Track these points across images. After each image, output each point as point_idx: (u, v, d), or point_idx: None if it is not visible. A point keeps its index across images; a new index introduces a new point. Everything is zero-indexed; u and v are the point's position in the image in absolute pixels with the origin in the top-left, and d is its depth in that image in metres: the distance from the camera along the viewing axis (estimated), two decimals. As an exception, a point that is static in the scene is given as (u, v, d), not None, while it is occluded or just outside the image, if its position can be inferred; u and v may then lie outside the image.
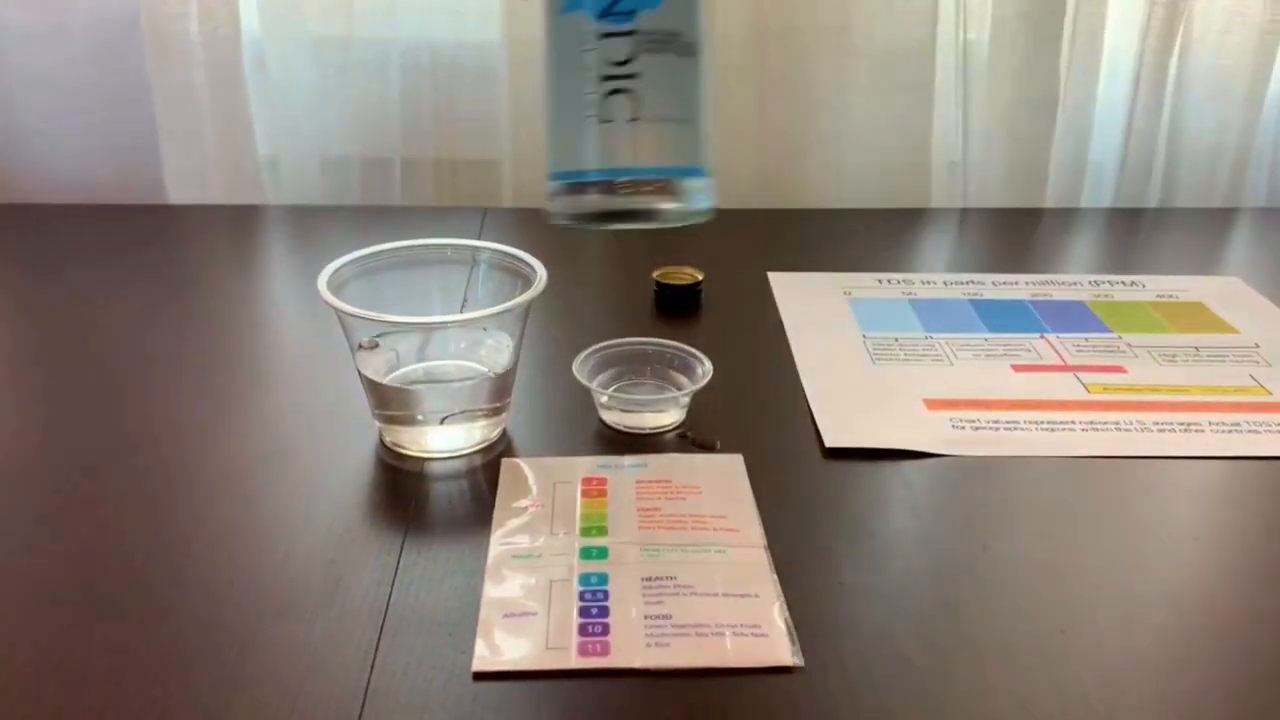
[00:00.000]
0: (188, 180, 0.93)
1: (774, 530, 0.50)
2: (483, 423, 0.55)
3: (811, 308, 0.73)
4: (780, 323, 0.71)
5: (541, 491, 0.52)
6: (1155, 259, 0.85)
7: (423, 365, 0.57)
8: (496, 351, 0.57)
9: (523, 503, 0.51)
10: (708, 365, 0.58)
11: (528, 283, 0.55)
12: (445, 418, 0.55)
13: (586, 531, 0.49)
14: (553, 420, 0.59)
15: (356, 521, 0.50)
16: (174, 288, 0.75)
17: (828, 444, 0.56)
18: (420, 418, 0.55)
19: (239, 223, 0.89)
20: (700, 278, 0.74)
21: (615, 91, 0.56)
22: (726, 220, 0.97)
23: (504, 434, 0.57)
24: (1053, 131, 0.96)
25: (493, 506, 0.51)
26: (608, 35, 0.54)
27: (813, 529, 0.50)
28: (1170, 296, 0.76)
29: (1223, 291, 0.77)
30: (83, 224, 0.87)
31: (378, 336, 0.55)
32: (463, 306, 0.59)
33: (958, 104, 0.95)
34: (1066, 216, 0.95)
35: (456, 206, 0.96)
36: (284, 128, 0.94)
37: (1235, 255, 0.88)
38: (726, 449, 0.56)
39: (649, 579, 0.46)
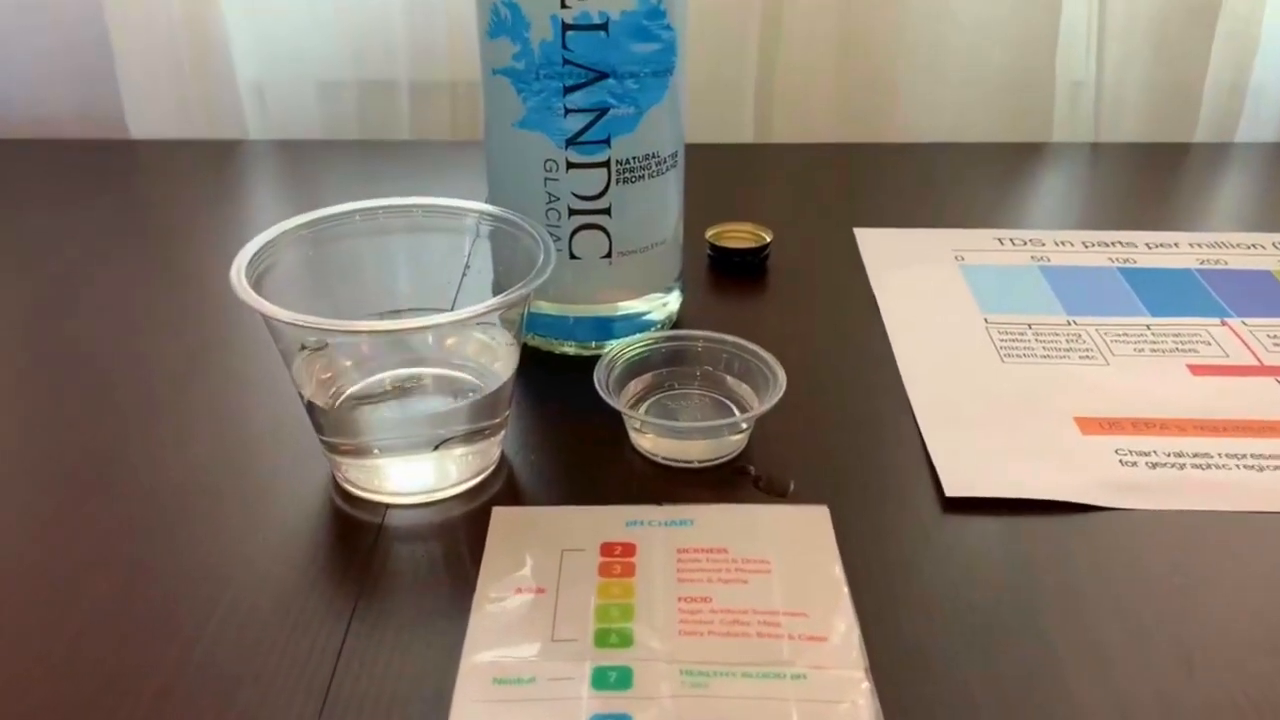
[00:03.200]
0: (151, 110, 0.78)
1: (879, 631, 0.34)
2: (465, 453, 0.40)
3: (913, 278, 0.56)
4: (874, 299, 0.54)
5: (543, 565, 0.36)
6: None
7: (390, 374, 0.42)
8: (488, 353, 0.42)
9: (515, 583, 0.36)
10: (780, 376, 0.42)
11: (530, 260, 0.39)
12: (439, 444, 0.40)
13: (603, 638, 0.33)
14: (566, 445, 0.44)
15: (296, 586, 0.36)
16: (121, 241, 0.61)
17: (948, 492, 0.40)
18: (375, 450, 0.40)
19: (213, 161, 0.75)
20: (768, 239, 0.58)
21: (585, 227, 0.46)
22: (796, 159, 0.81)
23: (498, 466, 0.42)
24: (1209, 48, 0.76)
25: (474, 581, 0.36)
26: (576, 166, 0.44)
27: (933, 625, 0.35)
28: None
29: None
30: (25, 161, 0.73)
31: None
32: (457, 294, 0.44)
33: (1090, 8, 0.76)
34: (1221, 153, 0.77)
35: (476, 140, 0.80)
36: (267, 46, 0.78)
37: None
38: (804, 494, 0.41)
39: (692, 728, 0.31)
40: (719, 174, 0.70)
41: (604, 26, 0.42)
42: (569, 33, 0.42)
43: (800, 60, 0.77)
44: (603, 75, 0.43)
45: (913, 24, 0.76)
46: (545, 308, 0.48)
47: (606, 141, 0.44)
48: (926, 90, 0.78)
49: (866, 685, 0.32)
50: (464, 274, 0.45)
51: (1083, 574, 0.37)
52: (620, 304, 0.49)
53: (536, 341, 0.49)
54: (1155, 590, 0.36)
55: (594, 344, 0.48)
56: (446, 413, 0.40)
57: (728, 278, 0.57)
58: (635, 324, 0.49)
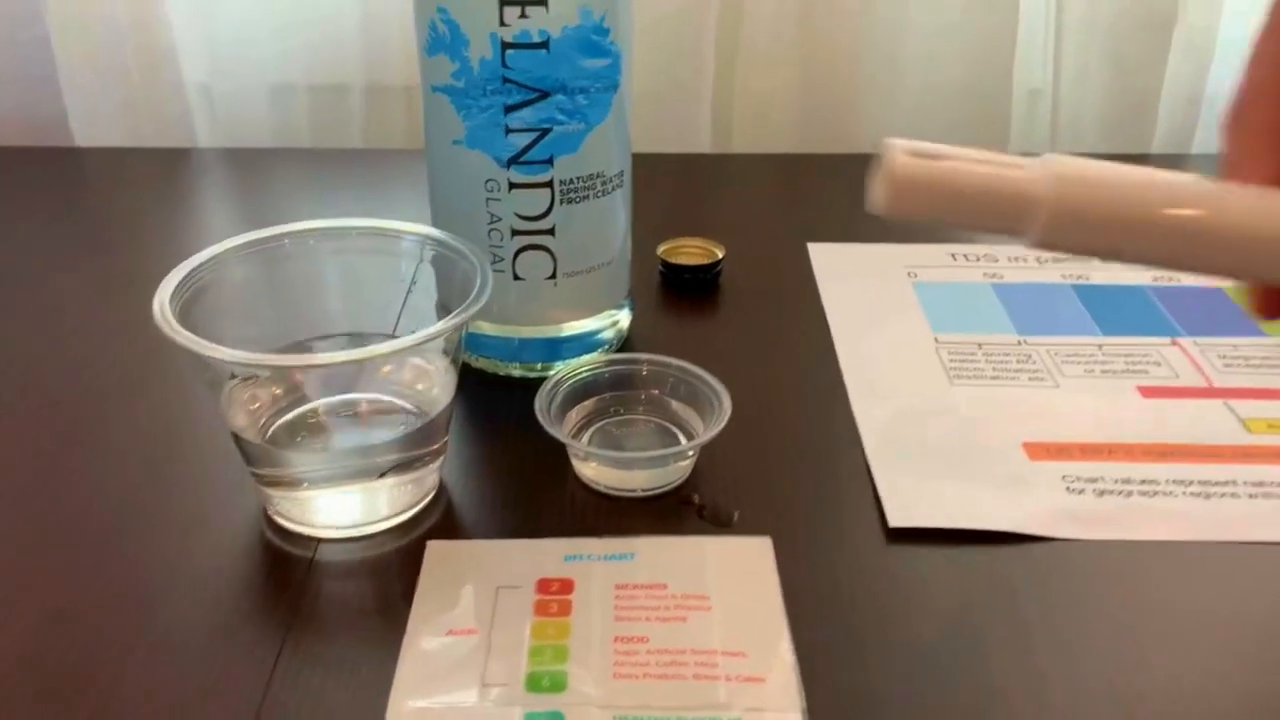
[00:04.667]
0: (96, 115, 0.76)
1: (817, 669, 0.33)
2: (400, 483, 0.39)
3: (866, 296, 0.56)
4: (825, 318, 0.54)
5: (476, 604, 0.35)
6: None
7: (323, 402, 0.41)
8: (425, 379, 0.41)
9: (447, 624, 0.35)
10: (725, 402, 0.41)
11: (467, 284, 0.38)
12: (371, 475, 0.39)
13: (535, 683, 0.33)
14: (508, 473, 0.43)
15: (222, 624, 0.35)
16: (63, 252, 0.59)
17: (891, 523, 0.40)
18: (304, 483, 0.39)
19: (161, 169, 0.73)
20: (720, 256, 0.57)
21: (529, 247, 0.44)
22: (753, 170, 0.80)
23: (436, 495, 0.41)
24: (1166, 58, 0.76)
25: (406, 620, 0.35)
26: (518, 186, 0.43)
27: (871, 664, 0.34)
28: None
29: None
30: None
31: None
32: (400, 316, 0.43)
33: (1046, 18, 0.76)
34: (1178, 165, 0.77)
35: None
36: (214, 49, 0.77)
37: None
38: (748, 524, 0.40)
39: (623, 778, 0.30)
40: (674, 186, 0.70)
41: (545, 45, 0.41)
42: (509, 51, 0.41)
43: (759, 70, 0.76)
44: (544, 94, 0.42)
45: (871, 33, 0.75)
46: (489, 329, 0.47)
47: (549, 161, 0.43)
48: (884, 99, 0.77)
49: (804, 730, 0.31)
50: (408, 294, 0.44)
51: (1026, 608, 0.36)
52: (567, 325, 0.48)
53: (481, 363, 0.48)
54: (1098, 626, 0.36)
55: (540, 365, 0.47)
56: (379, 443, 0.39)
57: (679, 295, 0.56)
58: (583, 344, 0.48)
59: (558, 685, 0.32)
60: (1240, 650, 0.35)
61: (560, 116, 0.43)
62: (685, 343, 0.48)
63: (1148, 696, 0.33)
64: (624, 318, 0.50)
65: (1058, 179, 0.22)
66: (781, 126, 0.78)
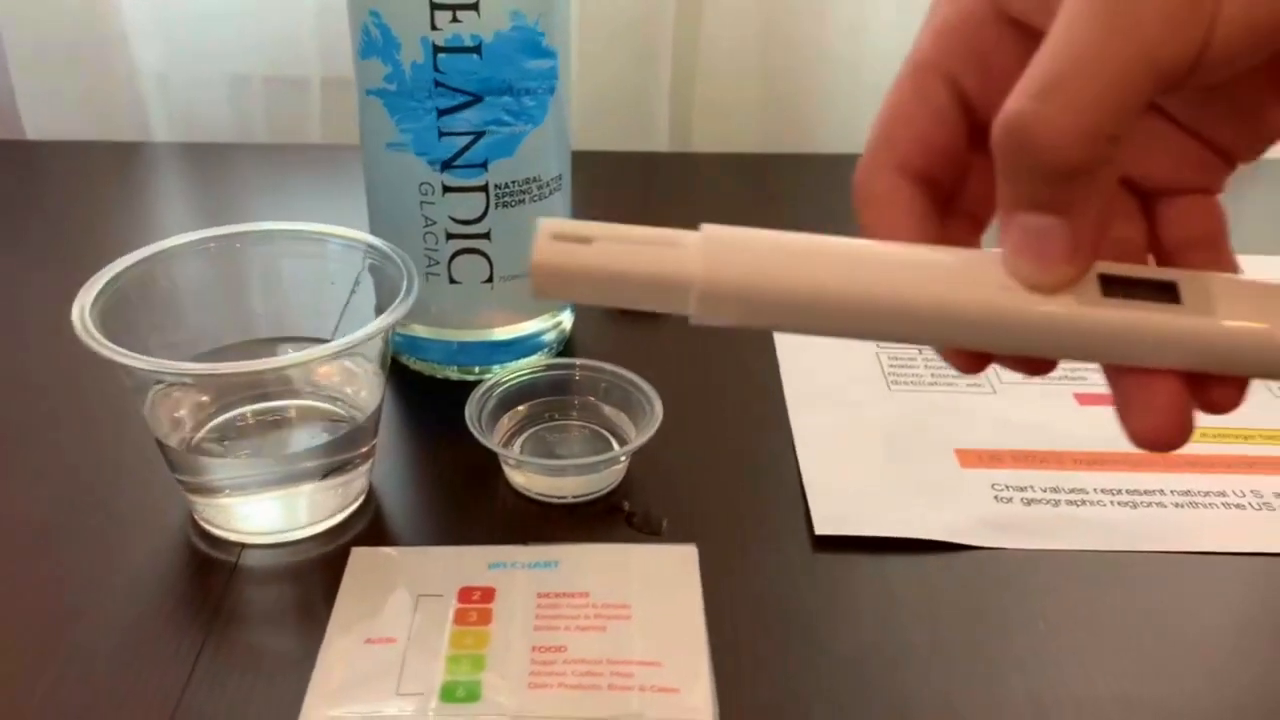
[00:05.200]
0: (47, 106, 0.75)
1: (735, 680, 0.33)
2: (325, 489, 0.39)
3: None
4: (768, 321, 0.54)
5: (396, 613, 0.35)
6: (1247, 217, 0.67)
7: (251, 408, 0.41)
8: (354, 382, 0.41)
9: (365, 632, 0.35)
10: (657, 406, 0.41)
11: (394, 288, 0.38)
12: (296, 481, 0.38)
13: (450, 693, 0.33)
14: (439, 478, 0.43)
15: (143, 628, 0.35)
16: (10, 248, 0.59)
17: (818, 530, 0.40)
18: (226, 490, 0.39)
19: (114, 164, 0.72)
20: (666, 256, 0.57)
21: (465, 251, 0.44)
22: (709, 170, 0.79)
23: (365, 501, 0.41)
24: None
25: (326, 628, 0.35)
26: (453, 190, 0.43)
27: (790, 676, 0.34)
28: None
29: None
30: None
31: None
32: (340, 318, 0.42)
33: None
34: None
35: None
36: (169, 38, 0.76)
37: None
38: (677, 531, 0.40)
39: (530, 790, 0.30)
40: (626, 185, 0.70)
41: (477, 49, 0.41)
42: (440, 54, 0.41)
43: (719, 67, 0.76)
44: (477, 98, 0.42)
45: (832, 32, 0.75)
46: (425, 332, 0.47)
47: (484, 165, 0.43)
48: (846, 99, 0.77)
49: (714, 741, 0.31)
50: (350, 298, 0.43)
51: (947, 619, 0.37)
52: (505, 328, 0.47)
53: (419, 366, 0.48)
54: (1016, 638, 0.36)
55: (478, 369, 0.47)
56: (304, 450, 0.39)
57: (625, 296, 0.56)
58: (523, 347, 0.48)
59: (472, 695, 0.32)
60: (1161, 660, 0.35)
61: (494, 120, 0.42)
62: (629, 346, 0.48)
63: (1065, 706, 0.33)
64: (566, 320, 0.50)
65: (707, 256, 0.21)
66: (743, 127, 0.78)
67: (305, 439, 0.40)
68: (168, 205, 0.70)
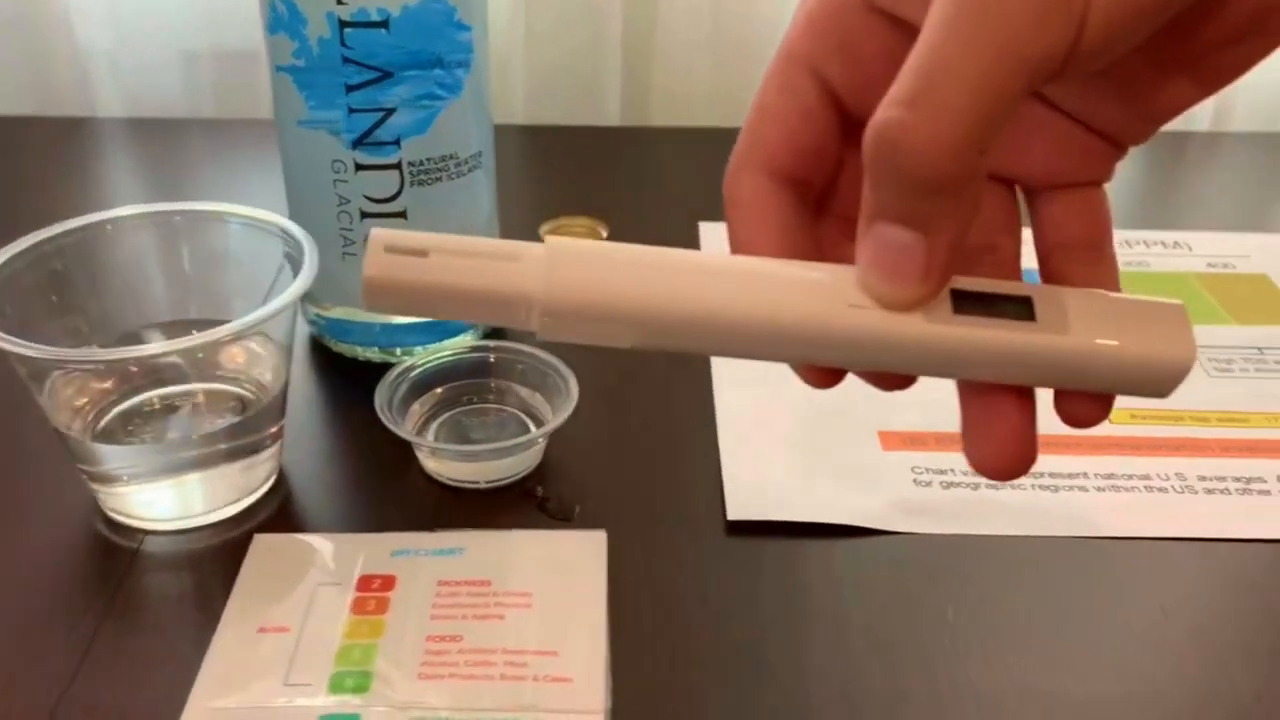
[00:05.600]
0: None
1: (633, 668, 0.33)
2: (229, 474, 0.38)
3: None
4: (703, 301, 0.53)
5: (292, 601, 0.35)
6: (1201, 199, 0.66)
7: (156, 393, 0.40)
8: (259, 364, 0.40)
9: (259, 620, 0.34)
10: (573, 388, 0.41)
11: (296, 269, 0.37)
12: (199, 467, 0.38)
13: (339, 684, 0.32)
14: (351, 462, 0.42)
15: (38, 615, 0.34)
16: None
17: (730, 515, 0.39)
18: (124, 478, 0.38)
19: (57, 140, 0.71)
20: (604, 235, 0.56)
21: None
22: (657, 144, 0.78)
23: (274, 485, 0.40)
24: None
25: (220, 617, 0.34)
26: (365, 168, 0.42)
27: (688, 663, 0.34)
28: (1226, 266, 0.58)
29: (1293, 258, 0.59)
30: None
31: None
32: (267, 296, 0.42)
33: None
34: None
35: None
36: (114, 12, 0.74)
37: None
38: (591, 516, 0.39)
39: (410, 783, 0.29)
40: (570, 159, 0.68)
41: (384, 24, 0.40)
42: (347, 30, 0.40)
43: (673, 40, 0.75)
44: (386, 74, 0.41)
45: (787, 9, 0.74)
46: (345, 314, 0.46)
47: (396, 143, 0.42)
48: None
49: (603, 734, 0.31)
50: (275, 279, 0.43)
51: (853, 606, 0.36)
52: (428, 309, 0.47)
53: (341, 347, 0.47)
54: (923, 626, 0.36)
55: (399, 350, 0.47)
56: (205, 434, 0.38)
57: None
58: (445, 329, 0.47)
59: (361, 686, 0.32)
60: (1066, 651, 0.35)
61: (405, 97, 0.41)
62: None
63: (963, 698, 0.33)
64: None
65: (549, 272, 0.20)
66: (696, 101, 0.77)
67: (208, 423, 0.40)
68: (110, 181, 0.69)
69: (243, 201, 0.41)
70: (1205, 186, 0.69)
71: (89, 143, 0.71)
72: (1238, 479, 0.42)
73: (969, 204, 0.20)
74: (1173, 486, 0.42)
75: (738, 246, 0.24)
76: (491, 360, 0.43)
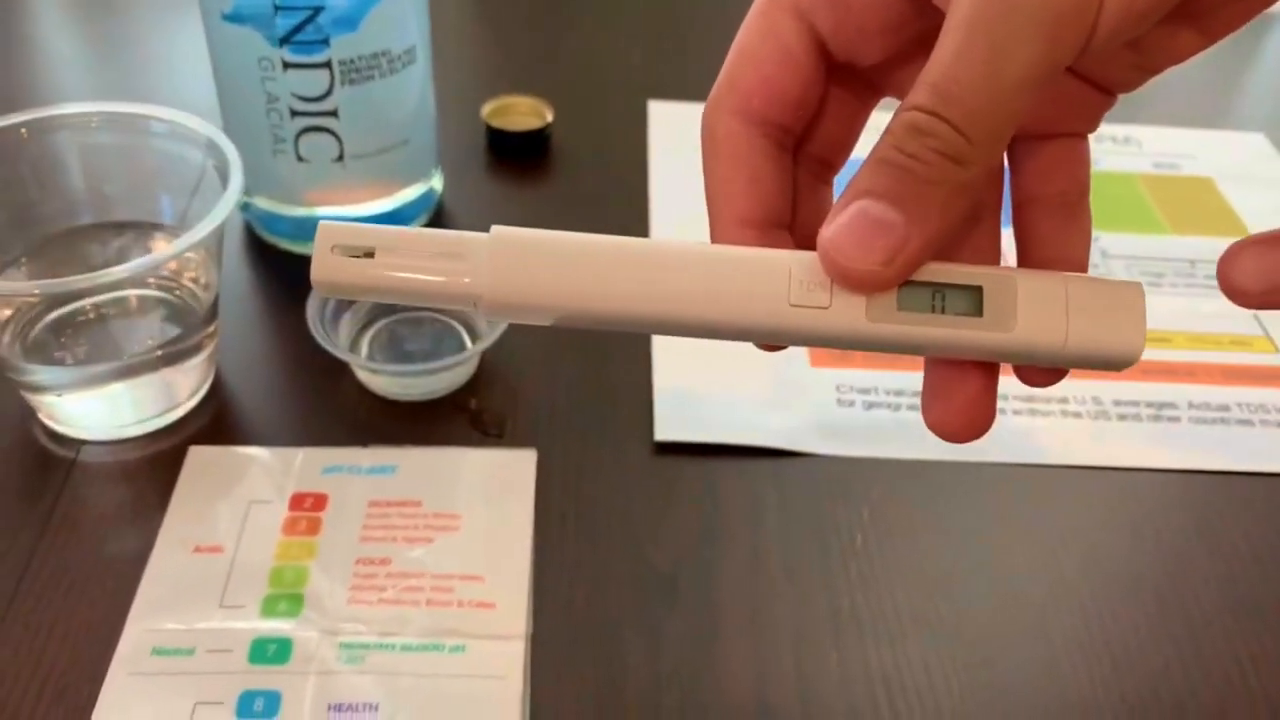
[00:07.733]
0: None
1: (554, 594, 0.35)
2: (161, 382, 0.39)
3: (695, 170, 0.54)
4: (649, 198, 0.53)
5: (226, 520, 0.36)
6: (1157, 89, 0.65)
7: (90, 301, 0.40)
8: (189, 269, 0.40)
9: (194, 540, 0.35)
10: (506, 303, 0.41)
11: (224, 176, 0.37)
12: (130, 375, 0.38)
13: (271, 606, 0.34)
14: (287, 372, 0.43)
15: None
16: None
17: (657, 436, 0.40)
18: (55, 389, 0.38)
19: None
20: (549, 119, 0.55)
21: (311, 129, 0.42)
22: (605, 16, 0.75)
23: (209, 394, 0.41)
24: None
25: (158, 532, 0.36)
26: (294, 66, 0.40)
27: (608, 589, 0.36)
28: (1172, 167, 0.58)
29: (1239, 159, 0.59)
30: None
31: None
32: (189, 205, 0.41)
33: None
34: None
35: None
36: None
37: (1257, 103, 0.68)
38: (521, 433, 0.40)
39: (339, 708, 0.31)
40: (515, 34, 0.66)
41: (310, -83, 0.38)
42: (271, -77, 0.38)
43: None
44: (313, -30, 0.39)
45: None
46: (276, 207, 0.45)
47: (325, 41, 0.41)
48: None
49: (522, 657, 0.33)
50: (199, 182, 0.41)
51: (771, 530, 0.38)
52: (363, 204, 0.46)
53: (286, 244, 0.47)
54: (830, 551, 0.37)
55: None
56: (135, 341, 0.38)
57: (505, 161, 0.54)
58: (388, 221, 0.47)
59: (293, 609, 0.34)
60: (966, 577, 0.37)
61: None
62: (507, 216, 0.47)
63: (863, 621, 0.35)
64: (435, 185, 0.49)
65: (493, 269, 0.21)
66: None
67: (141, 329, 0.40)
68: (55, 60, 0.65)
69: (179, 91, 0.40)
70: (1163, 76, 0.68)
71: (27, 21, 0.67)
72: (1150, 404, 0.44)
73: (964, 206, 0.20)
74: (1088, 411, 0.43)
75: (712, 188, 0.24)
76: (426, 270, 0.43)
